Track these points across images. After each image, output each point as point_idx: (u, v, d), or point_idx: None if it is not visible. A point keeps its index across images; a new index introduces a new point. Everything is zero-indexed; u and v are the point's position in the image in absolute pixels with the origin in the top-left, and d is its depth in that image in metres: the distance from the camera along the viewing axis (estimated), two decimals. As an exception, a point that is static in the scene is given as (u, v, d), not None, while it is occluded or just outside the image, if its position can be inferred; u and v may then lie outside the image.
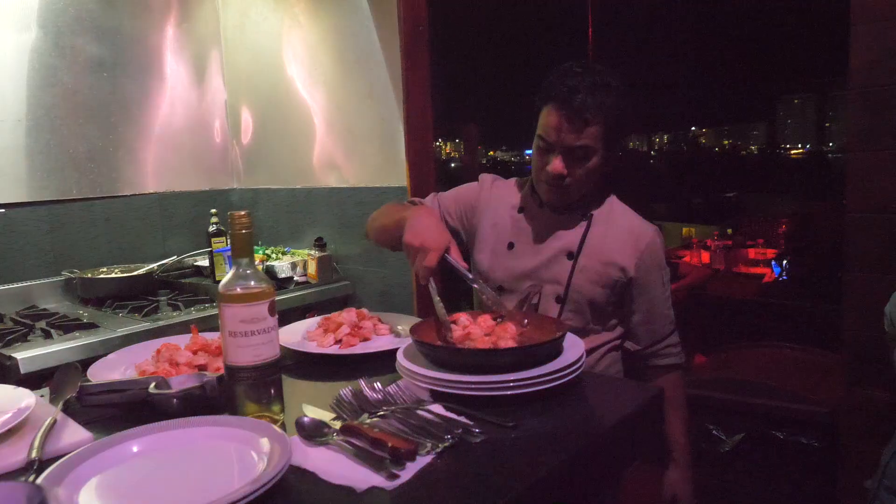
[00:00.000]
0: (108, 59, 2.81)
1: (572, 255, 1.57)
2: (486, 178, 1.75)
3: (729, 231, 4.31)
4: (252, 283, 1.02)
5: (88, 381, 1.19)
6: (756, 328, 3.13)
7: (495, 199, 1.70)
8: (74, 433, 1.02)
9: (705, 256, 3.85)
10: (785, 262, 3.46)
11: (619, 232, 1.59)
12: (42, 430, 0.98)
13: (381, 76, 2.67)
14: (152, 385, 1.10)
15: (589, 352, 1.57)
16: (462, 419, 1.02)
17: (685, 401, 1.68)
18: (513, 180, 1.74)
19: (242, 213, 1.02)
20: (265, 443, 0.92)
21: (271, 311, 1.03)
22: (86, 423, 1.05)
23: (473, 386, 1.09)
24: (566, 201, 1.59)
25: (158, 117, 3.01)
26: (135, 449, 0.94)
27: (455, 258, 1.34)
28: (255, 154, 3.24)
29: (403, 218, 1.44)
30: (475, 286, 1.39)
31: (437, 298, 1.31)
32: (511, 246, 1.63)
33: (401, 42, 2.59)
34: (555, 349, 1.19)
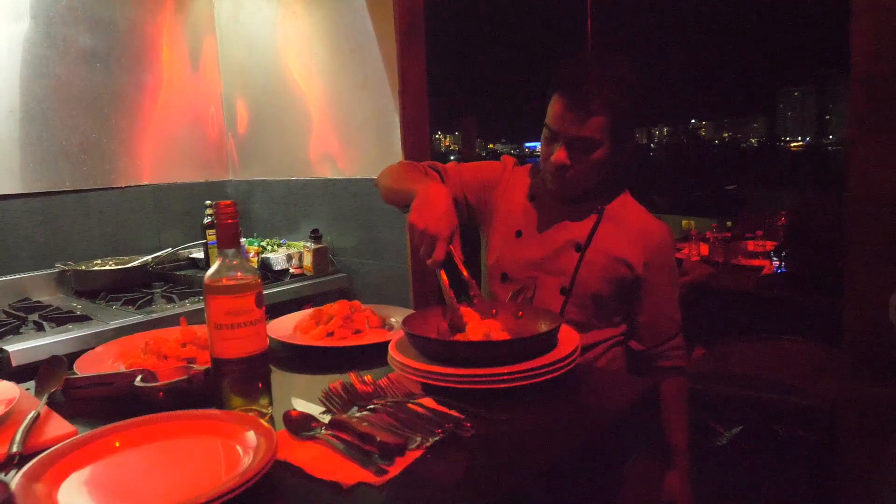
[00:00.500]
0: (101, 50, 2.78)
1: (580, 248, 1.54)
2: (508, 159, 1.72)
3: (728, 224, 4.28)
4: (238, 274, 1.00)
5: (74, 373, 1.18)
6: (755, 321, 3.10)
7: (512, 184, 1.67)
8: (58, 427, 1.00)
9: (704, 249, 3.83)
10: (784, 254, 3.42)
11: (629, 229, 1.55)
12: (24, 423, 0.96)
13: (376, 67, 2.64)
14: (138, 378, 1.08)
15: (590, 347, 1.55)
16: (453, 413, 1.00)
17: (687, 405, 1.64)
18: (528, 167, 1.70)
19: (228, 202, 1.00)
20: (251, 437, 0.90)
21: (258, 302, 1.00)
22: (70, 417, 1.03)
23: (465, 379, 1.07)
24: (570, 192, 1.56)
25: (153, 108, 2.98)
26: (118, 443, 0.91)
27: (456, 249, 1.31)
28: (251, 145, 3.22)
29: (414, 191, 1.39)
30: (464, 278, 1.35)
31: (446, 288, 1.28)
32: (519, 234, 1.60)
33: (396, 32, 2.56)
34: (549, 342, 1.17)
